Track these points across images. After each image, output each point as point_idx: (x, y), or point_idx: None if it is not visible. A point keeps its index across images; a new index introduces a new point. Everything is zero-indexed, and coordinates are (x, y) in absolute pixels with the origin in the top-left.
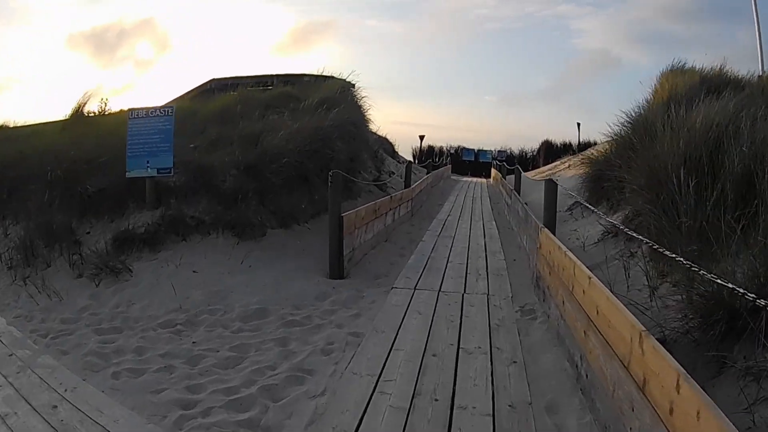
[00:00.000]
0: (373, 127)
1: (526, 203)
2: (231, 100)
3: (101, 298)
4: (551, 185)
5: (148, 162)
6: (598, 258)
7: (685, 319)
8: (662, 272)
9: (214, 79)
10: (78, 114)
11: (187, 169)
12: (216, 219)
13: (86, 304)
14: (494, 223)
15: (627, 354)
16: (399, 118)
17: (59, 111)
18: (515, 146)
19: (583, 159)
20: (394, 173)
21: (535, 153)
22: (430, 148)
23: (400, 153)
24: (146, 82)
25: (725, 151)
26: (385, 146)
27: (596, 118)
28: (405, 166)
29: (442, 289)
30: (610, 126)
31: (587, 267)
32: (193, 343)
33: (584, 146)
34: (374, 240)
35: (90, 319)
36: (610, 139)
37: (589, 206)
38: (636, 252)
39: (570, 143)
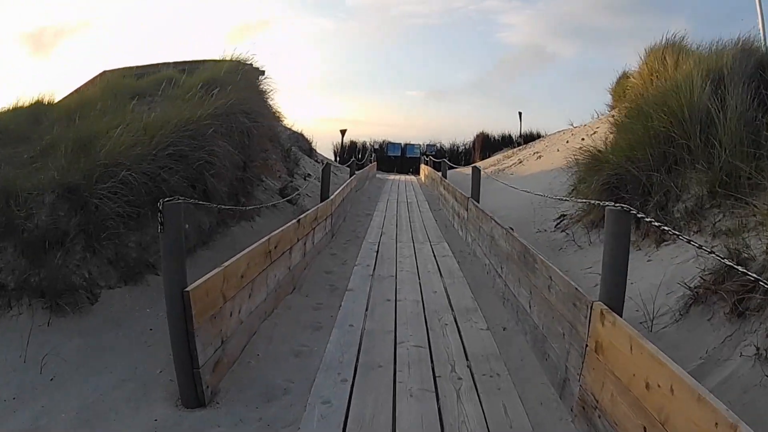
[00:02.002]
0: (287, 122)
1: (511, 227)
2: (93, 92)
3: None
4: (622, 217)
5: None
6: (687, 350)
7: None
8: None
9: (106, 71)
10: None
11: None
12: (21, 280)
13: None
14: (446, 245)
15: None
16: (324, 114)
17: None
18: (445, 140)
19: (533, 152)
20: (311, 176)
21: (468, 146)
22: (353, 144)
23: (319, 151)
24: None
25: None
26: (301, 143)
27: (530, 110)
28: (322, 169)
29: None
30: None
31: None
32: None
33: (528, 138)
34: (270, 301)
35: None
36: (610, 126)
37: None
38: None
39: (510, 135)
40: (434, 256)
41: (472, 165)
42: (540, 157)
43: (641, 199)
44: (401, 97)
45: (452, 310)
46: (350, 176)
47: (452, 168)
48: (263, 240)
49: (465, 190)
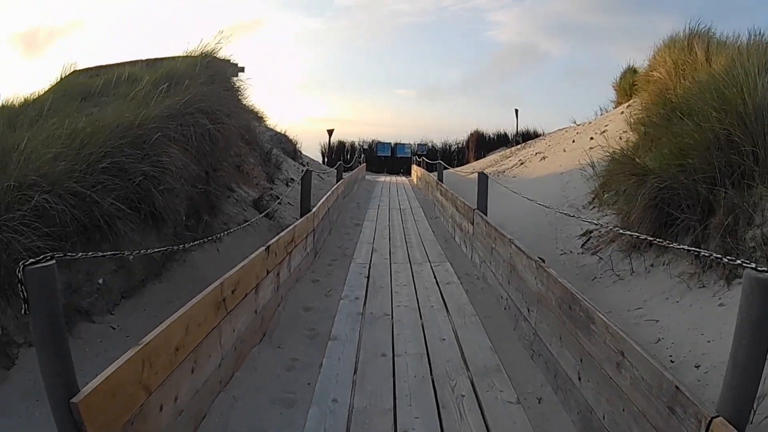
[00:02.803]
0: (271, 122)
1: (542, 258)
2: (46, 93)
3: None
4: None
5: None
6: None
7: None
8: None
9: (76, 71)
10: None
11: None
12: None
13: None
14: (449, 265)
15: None
16: (313, 114)
17: None
18: (436, 139)
19: (535, 152)
20: (294, 180)
21: (462, 146)
22: (341, 144)
23: (305, 152)
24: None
25: None
26: (285, 145)
27: (524, 108)
28: (302, 176)
29: None
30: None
31: None
32: None
33: (525, 136)
34: (227, 365)
35: None
36: (626, 123)
37: None
38: None
39: (506, 133)
40: (437, 282)
41: (479, 171)
42: (544, 158)
43: (701, 220)
44: (391, 96)
45: (467, 369)
46: (337, 181)
47: (445, 169)
48: (213, 286)
49: (463, 194)
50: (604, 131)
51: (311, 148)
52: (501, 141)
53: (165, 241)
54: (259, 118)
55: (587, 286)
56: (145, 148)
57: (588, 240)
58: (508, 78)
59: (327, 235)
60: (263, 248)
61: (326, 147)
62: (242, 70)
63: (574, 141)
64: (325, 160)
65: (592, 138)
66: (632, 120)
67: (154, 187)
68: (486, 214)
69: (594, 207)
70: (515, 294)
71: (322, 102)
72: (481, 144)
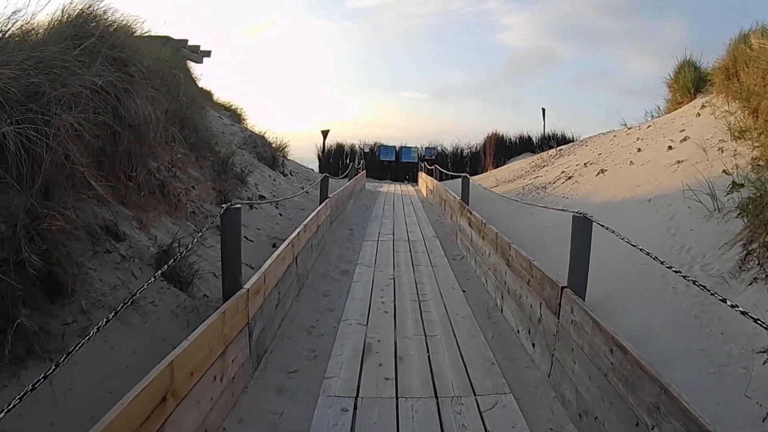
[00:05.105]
0: (250, 123)
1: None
2: None
3: None
4: None
5: None
6: None
7: None
8: None
9: None
10: None
11: None
12: None
13: None
14: (512, 397)
15: None
16: (322, 117)
17: None
18: (446, 142)
19: (582, 162)
20: (264, 198)
21: (476, 150)
22: (339, 147)
23: (294, 158)
24: None
25: None
26: (262, 149)
27: (539, 111)
28: (222, 215)
29: None
30: None
31: None
32: None
33: (559, 140)
34: None
35: None
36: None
37: None
38: None
39: (529, 137)
40: None
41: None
42: (602, 171)
43: None
44: (398, 98)
45: None
46: (321, 201)
47: (450, 178)
48: None
49: (491, 219)
50: (684, 139)
51: (309, 152)
52: (524, 145)
53: None
54: (235, 117)
55: None
56: None
57: None
58: (520, 81)
59: (290, 305)
60: None
61: (321, 150)
62: (207, 54)
63: (640, 150)
64: (320, 164)
65: (670, 147)
66: (735, 124)
67: None
68: (584, 296)
69: (758, 279)
70: None
71: (327, 103)
72: (501, 148)
